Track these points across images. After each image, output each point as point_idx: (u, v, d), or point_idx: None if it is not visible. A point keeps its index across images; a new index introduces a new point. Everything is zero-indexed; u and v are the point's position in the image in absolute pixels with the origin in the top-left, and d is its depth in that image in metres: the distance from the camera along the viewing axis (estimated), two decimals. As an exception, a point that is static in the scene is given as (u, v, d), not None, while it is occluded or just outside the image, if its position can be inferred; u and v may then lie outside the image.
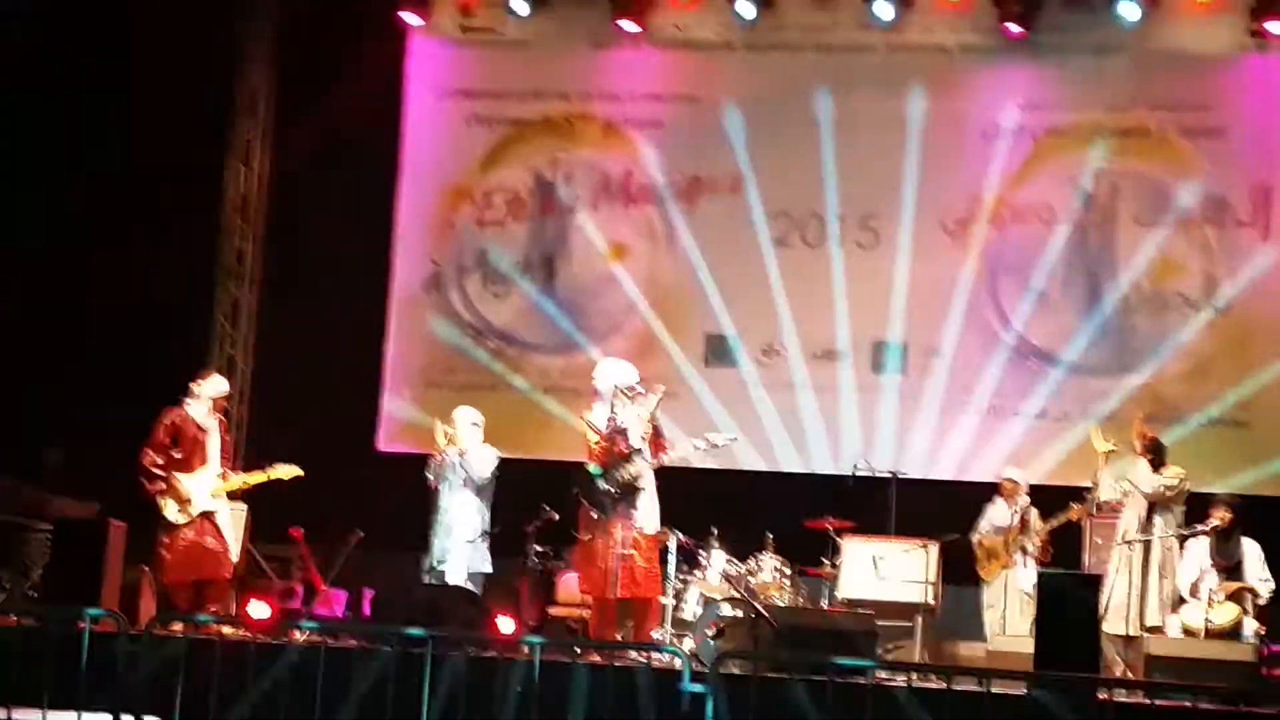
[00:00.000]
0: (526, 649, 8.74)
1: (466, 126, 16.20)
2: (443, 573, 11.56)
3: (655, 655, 8.65)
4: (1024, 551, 12.71)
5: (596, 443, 10.87)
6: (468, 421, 11.92)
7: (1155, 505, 11.25)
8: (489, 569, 11.82)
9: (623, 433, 10.79)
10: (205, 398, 11.57)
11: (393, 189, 16.10)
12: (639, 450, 10.74)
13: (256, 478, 11.66)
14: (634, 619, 10.76)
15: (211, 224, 16.32)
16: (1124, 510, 11.49)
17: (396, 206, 16.10)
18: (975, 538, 12.93)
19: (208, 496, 11.35)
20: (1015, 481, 13.01)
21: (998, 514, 12.93)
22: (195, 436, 11.42)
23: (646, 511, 10.68)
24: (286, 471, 11.73)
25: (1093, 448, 11.79)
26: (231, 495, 11.75)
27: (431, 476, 11.80)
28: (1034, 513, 12.87)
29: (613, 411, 10.87)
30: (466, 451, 11.77)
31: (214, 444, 11.53)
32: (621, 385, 10.97)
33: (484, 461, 11.79)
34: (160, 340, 15.51)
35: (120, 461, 12.29)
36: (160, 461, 11.30)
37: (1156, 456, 11.46)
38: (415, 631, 7.78)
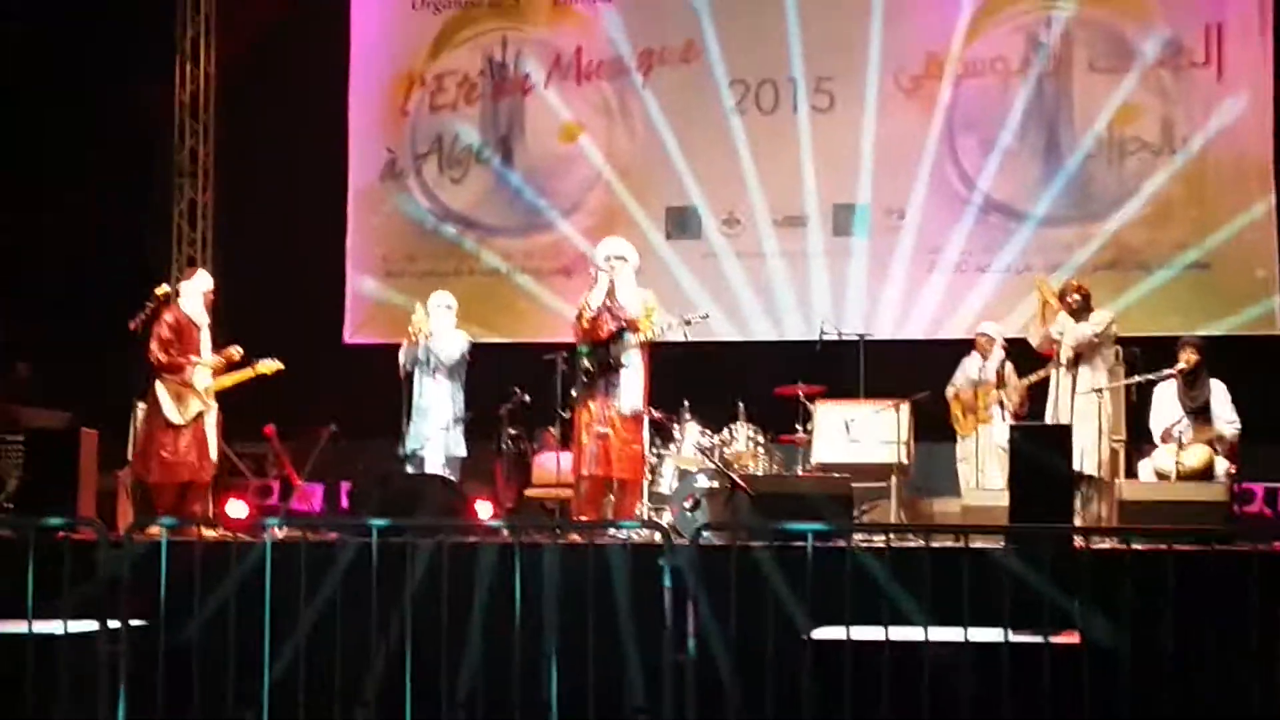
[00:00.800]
0: (506, 532, 8.79)
1: (413, 11, 16.05)
2: (421, 459, 11.59)
3: (634, 531, 8.70)
4: (1001, 406, 12.76)
5: (579, 320, 10.81)
6: (439, 305, 11.91)
7: (1082, 355, 11.24)
8: (464, 453, 11.86)
9: (610, 311, 10.70)
10: (196, 293, 11.49)
11: (343, 79, 15.97)
12: (623, 330, 10.67)
13: (245, 374, 11.62)
14: (615, 497, 10.78)
15: (163, 126, 16.17)
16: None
17: (348, 96, 15.98)
18: (950, 392, 12.98)
19: (198, 398, 11.32)
20: (990, 337, 13.04)
21: (973, 369, 12.97)
22: (191, 334, 11.35)
23: (628, 391, 10.65)
24: (269, 366, 11.68)
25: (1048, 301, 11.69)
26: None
27: (405, 361, 11.79)
28: (1009, 367, 12.91)
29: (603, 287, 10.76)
30: (433, 335, 11.76)
31: (206, 341, 11.47)
32: (605, 256, 10.87)
33: (453, 344, 11.78)
34: (120, 246, 15.43)
35: (88, 370, 12.27)
36: (174, 352, 11.23)
37: (1083, 309, 11.41)
38: (385, 522, 7.76)
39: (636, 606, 7.57)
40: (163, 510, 10.94)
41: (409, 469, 11.55)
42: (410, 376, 11.81)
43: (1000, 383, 12.82)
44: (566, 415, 10.97)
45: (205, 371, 11.30)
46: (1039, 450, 9.14)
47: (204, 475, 11.31)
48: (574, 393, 10.82)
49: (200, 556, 7.65)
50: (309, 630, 7.56)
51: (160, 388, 11.27)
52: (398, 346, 11.91)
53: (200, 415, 11.28)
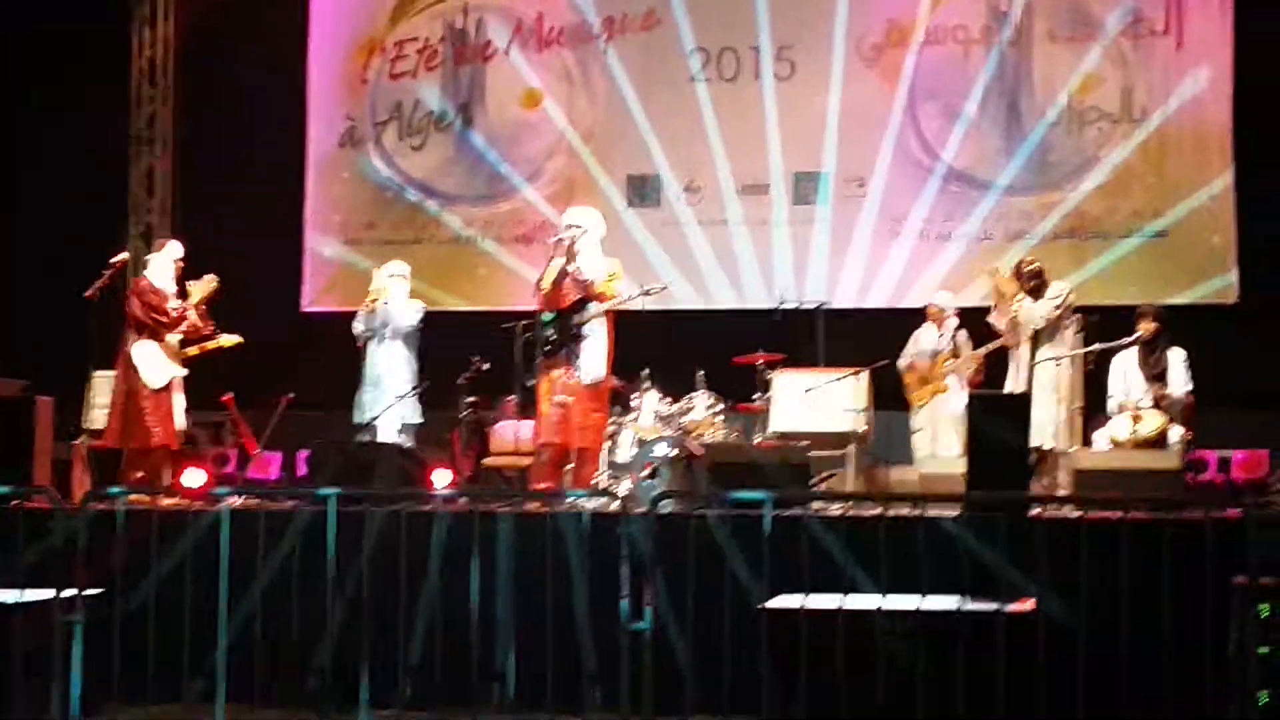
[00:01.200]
0: (463, 500, 8.80)
1: (373, -24, 15.99)
2: (375, 428, 11.57)
3: (591, 500, 8.71)
4: (956, 375, 12.79)
5: (539, 287, 10.76)
6: (393, 274, 11.90)
7: (1042, 330, 11.33)
8: (419, 419, 11.85)
9: (572, 279, 10.65)
10: (167, 262, 11.43)
11: (303, 45, 15.89)
12: (585, 298, 10.63)
13: (211, 344, 11.58)
14: (573, 465, 10.77)
15: (121, 92, 16.07)
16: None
17: (308, 63, 15.90)
18: (903, 363, 12.99)
19: (175, 363, 11.29)
20: (941, 307, 13.05)
21: (926, 338, 12.98)
22: (165, 312, 11.29)
23: (590, 360, 10.61)
24: (229, 340, 11.66)
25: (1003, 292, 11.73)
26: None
27: (360, 328, 11.78)
28: (963, 335, 12.94)
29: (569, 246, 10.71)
30: (389, 302, 11.75)
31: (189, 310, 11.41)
32: (565, 225, 10.82)
33: (406, 312, 11.77)
34: (77, 213, 15.35)
35: (43, 337, 12.19)
36: (177, 306, 11.20)
37: (1039, 286, 11.48)
38: (335, 491, 7.75)
39: (593, 575, 7.58)
40: (140, 474, 10.90)
41: (365, 437, 11.53)
42: (365, 345, 11.80)
43: (955, 352, 12.85)
44: (530, 385, 10.92)
45: (176, 337, 11.28)
46: (995, 419, 9.18)
47: (174, 442, 11.28)
48: (536, 360, 10.79)
49: (157, 525, 7.64)
50: (264, 598, 7.56)
51: (139, 353, 11.21)
52: (356, 315, 11.89)
53: (173, 380, 11.25)
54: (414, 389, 11.69)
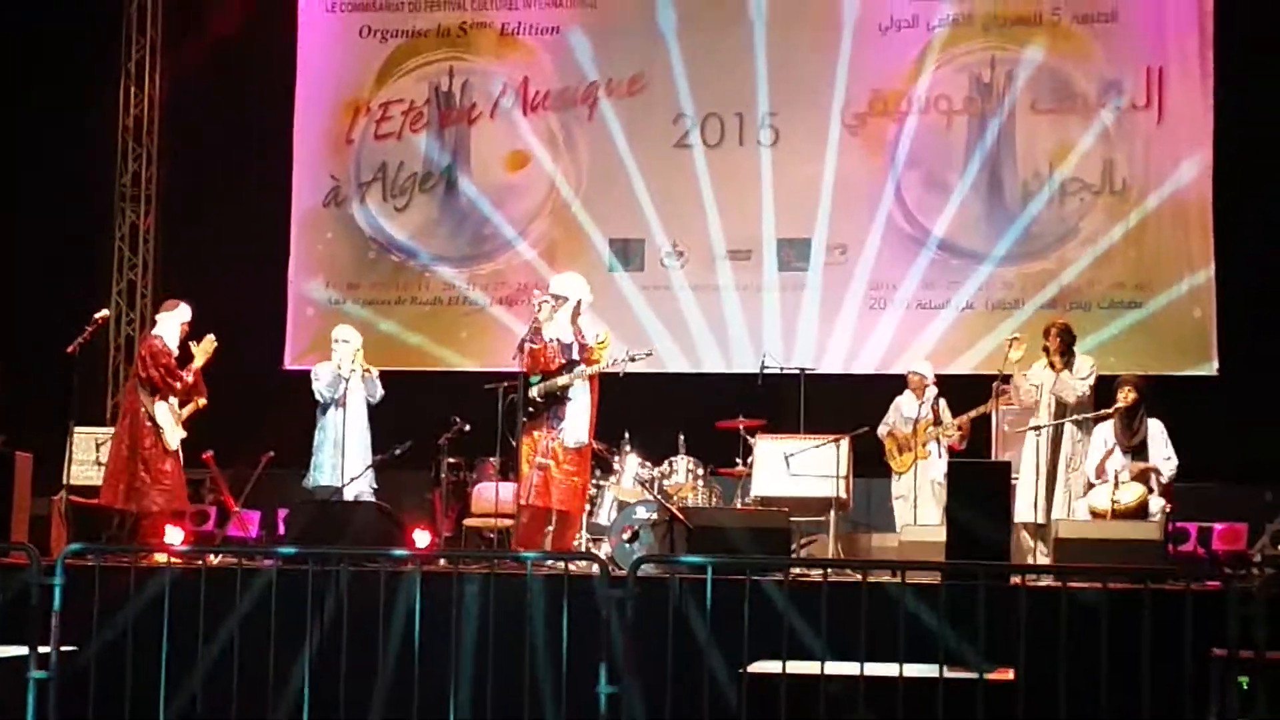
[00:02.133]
0: (443, 561, 8.77)
1: (360, 39, 16.03)
2: (340, 491, 11.51)
3: (573, 562, 8.69)
4: (937, 442, 12.81)
5: (522, 350, 10.76)
6: (340, 339, 11.94)
7: (1067, 405, 11.37)
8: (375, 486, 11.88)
9: (559, 343, 10.67)
10: (174, 324, 11.43)
11: (288, 106, 15.94)
12: (572, 362, 10.64)
13: (188, 410, 11.53)
14: (553, 528, 10.75)
15: (107, 149, 16.10)
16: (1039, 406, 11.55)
17: (293, 123, 15.94)
18: (883, 430, 13.02)
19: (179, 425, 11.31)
20: (921, 375, 13.08)
21: (907, 406, 13.01)
22: (175, 376, 11.28)
23: (574, 423, 10.62)
24: (208, 342, 11.56)
25: (1007, 356, 11.71)
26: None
27: (329, 393, 11.77)
28: (943, 403, 12.97)
29: (547, 321, 10.72)
30: (370, 371, 11.78)
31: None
32: (547, 297, 10.84)
33: (377, 382, 11.82)
34: (60, 269, 15.35)
35: (22, 393, 12.15)
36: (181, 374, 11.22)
37: (1068, 351, 11.51)
38: (309, 550, 7.74)
39: (571, 639, 7.55)
40: (154, 537, 10.84)
41: (331, 498, 11.51)
42: (325, 407, 11.80)
43: (936, 419, 12.87)
44: (514, 445, 10.90)
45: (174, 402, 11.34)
46: (976, 486, 9.20)
47: (182, 505, 11.30)
48: (519, 422, 10.78)
49: (134, 583, 7.61)
50: (237, 657, 7.52)
51: (162, 413, 11.20)
52: (321, 376, 11.90)
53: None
54: (396, 452, 11.67)
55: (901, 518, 12.65)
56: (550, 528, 10.74)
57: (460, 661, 7.62)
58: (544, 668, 7.57)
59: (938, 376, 13.18)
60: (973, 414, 12.54)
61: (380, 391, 11.87)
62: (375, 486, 11.85)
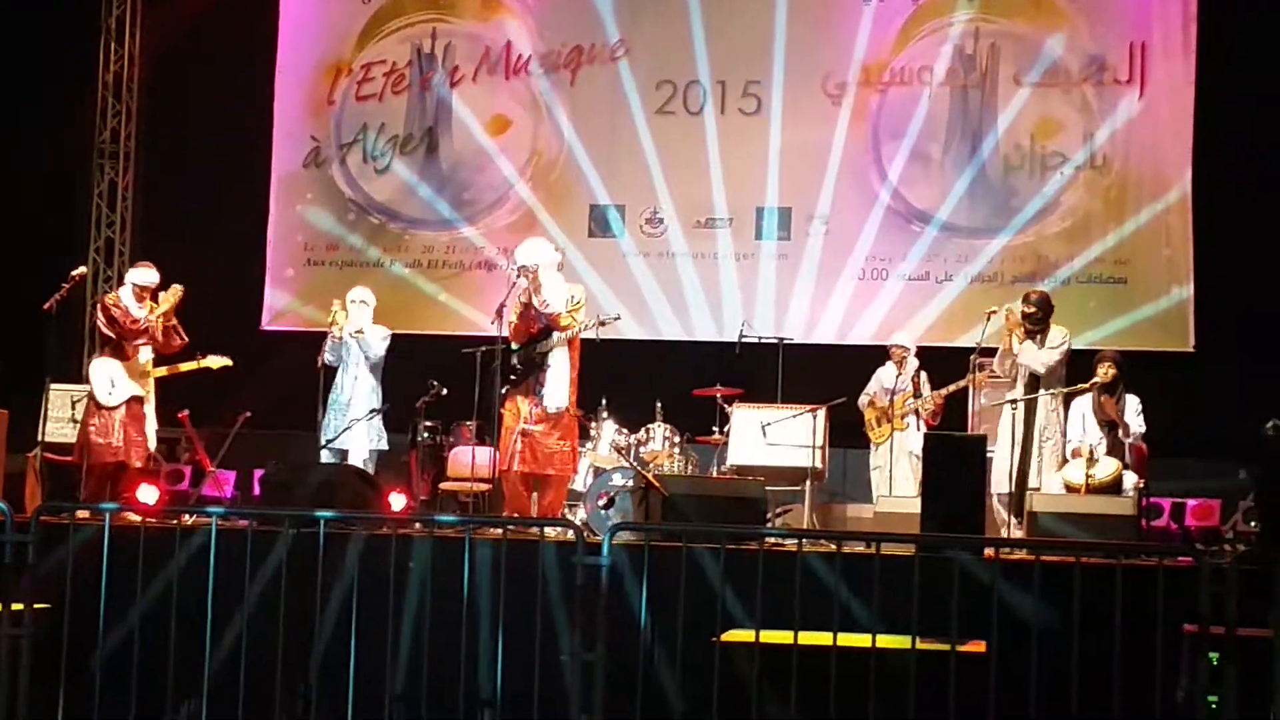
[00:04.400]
0: (420, 525, 8.77)
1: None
2: (345, 451, 11.55)
3: (548, 529, 8.70)
4: (916, 414, 12.83)
5: (501, 316, 10.77)
6: (357, 300, 11.89)
7: (1040, 376, 11.36)
8: (385, 445, 11.83)
9: (535, 310, 10.66)
10: (130, 283, 11.40)
11: (270, 65, 15.88)
12: (548, 326, 10.64)
13: (188, 366, 11.54)
14: (539, 493, 10.77)
15: (86, 105, 16.03)
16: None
17: (274, 83, 15.88)
18: (864, 400, 13.03)
19: (137, 382, 11.22)
20: (904, 347, 13.09)
21: (888, 377, 13.00)
22: (134, 324, 11.23)
23: (554, 389, 10.62)
24: (216, 361, 11.63)
25: (993, 322, 11.71)
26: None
27: (331, 358, 11.76)
28: (924, 375, 12.98)
29: (535, 292, 10.72)
30: (362, 330, 11.74)
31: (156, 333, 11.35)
32: (521, 264, 10.82)
33: (377, 342, 11.78)
34: (37, 225, 15.29)
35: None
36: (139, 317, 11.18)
37: (1044, 321, 11.47)
38: (298, 512, 7.74)
39: (545, 604, 7.57)
40: (88, 493, 10.83)
41: (326, 458, 11.50)
42: (329, 369, 11.78)
43: (916, 391, 12.89)
44: (496, 411, 10.90)
45: (147, 352, 11.27)
46: (952, 458, 9.22)
47: (132, 460, 11.20)
48: (501, 389, 10.78)
49: (109, 541, 7.58)
50: (211, 614, 7.52)
51: (97, 369, 11.19)
52: (315, 335, 11.92)
53: (135, 399, 11.18)
54: (374, 411, 11.66)
55: (878, 488, 12.68)
56: (535, 493, 10.76)
57: (413, 623, 7.64)
58: (515, 635, 7.58)
59: (918, 349, 13.19)
60: (951, 388, 12.56)
61: (376, 350, 11.78)
62: (379, 448, 11.78)
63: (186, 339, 11.43)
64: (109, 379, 11.13)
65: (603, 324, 10.76)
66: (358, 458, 11.53)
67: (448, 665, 7.52)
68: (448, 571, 7.62)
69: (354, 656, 7.47)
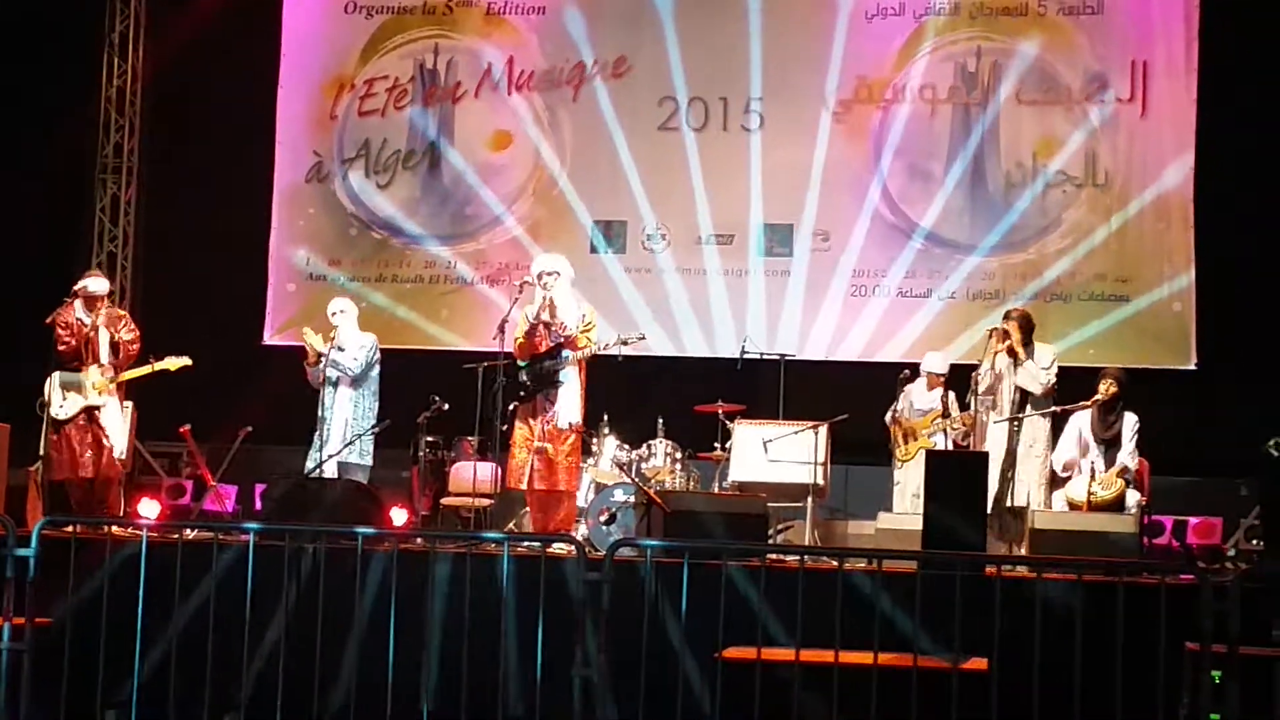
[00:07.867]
0: (420, 540, 8.77)
1: (345, 15, 15.99)
2: (321, 473, 11.45)
3: (549, 544, 8.69)
4: (944, 434, 12.71)
5: (510, 332, 10.79)
6: (335, 312, 11.79)
7: (1030, 395, 11.33)
8: (369, 462, 11.69)
9: (547, 327, 10.68)
10: (81, 295, 11.39)
11: (272, 80, 15.89)
12: (561, 345, 10.65)
13: (141, 370, 11.52)
14: (545, 510, 10.76)
15: (89, 120, 16.04)
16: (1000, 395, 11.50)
17: (277, 98, 15.89)
18: (889, 417, 12.88)
19: (92, 392, 11.20)
20: (941, 373, 12.82)
21: (919, 397, 12.84)
22: (81, 333, 11.24)
23: (567, 405, 10.64)
24: (174, 363, 11.59)
25: (986, 347, 11.67)
26: (126, 389, 11.59)
27: (312, 381, 11.71)
28: (951, 395, 12.84)
29: (545, 296, 10.72)
30: (342, 347, 11.61)
31: (102, 341, 11.33)
32: (539, 273, 10.82)
33: (353, 356, 11.65)
34: (40, 240, 15.30)
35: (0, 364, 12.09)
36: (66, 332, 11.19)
37: (1028, 340, 11.43)
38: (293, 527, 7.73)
39: (549, 620, 7.56)
40: (72, 508, 10.83)
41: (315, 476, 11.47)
42: (320, 390, 11.74)
43: (945, 411, 12.74)
44: (504, 428, 10.89)
45: (94, 369, 11.23)
46: (953, 476, 9.22)
47: (109, 471, 11.18)
48: (510, 406, 10.77)
49: (110, 555, 7.59)
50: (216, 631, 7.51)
51: (51, 384, 11.20)
52: (306, 363, 11.86)
53: (89, 410, 11.16)
54: (372, 429, 11.62)
55: (900, 505, 12.52)
56: (533, 511, 10.77)
57: (431, 641, 7.63)
58: (516, 650, 7.57)
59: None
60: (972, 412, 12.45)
61: (352, 366, 11.62)
62: (359, 463, 11.66)
63: (135, 351, 11.38)
64: (61, 392, 11.16)
65: (625, 343, 10.78)
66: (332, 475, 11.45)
67: (475, 681, 7.47)
68: (467, 586, 7.60)
69: (355, 684, 7.47)
